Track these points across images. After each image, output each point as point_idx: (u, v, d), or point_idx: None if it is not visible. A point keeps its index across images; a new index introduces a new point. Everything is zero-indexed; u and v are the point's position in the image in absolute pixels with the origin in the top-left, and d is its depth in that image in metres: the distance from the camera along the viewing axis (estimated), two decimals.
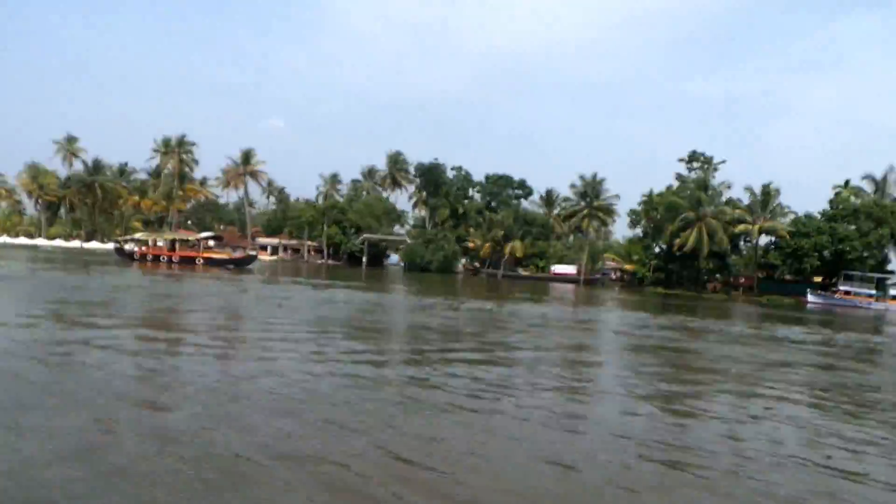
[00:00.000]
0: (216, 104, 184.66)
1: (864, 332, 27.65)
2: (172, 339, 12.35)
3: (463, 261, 71.01)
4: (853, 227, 54.50)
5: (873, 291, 53.79)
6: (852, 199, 57.70)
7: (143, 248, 46.96)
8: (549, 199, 73.05)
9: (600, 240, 76.36)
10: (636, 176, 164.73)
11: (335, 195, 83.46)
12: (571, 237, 71.85)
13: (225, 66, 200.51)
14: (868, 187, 59.29)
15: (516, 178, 73.80)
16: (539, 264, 66.97)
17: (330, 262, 71.78)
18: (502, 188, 72.85)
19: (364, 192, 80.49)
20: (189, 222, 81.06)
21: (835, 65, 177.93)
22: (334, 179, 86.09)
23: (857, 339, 23.96)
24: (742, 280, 60.59)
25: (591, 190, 67.38)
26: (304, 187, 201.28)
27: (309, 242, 76.15)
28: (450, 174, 74.24)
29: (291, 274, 44.83)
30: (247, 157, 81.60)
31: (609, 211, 67.28)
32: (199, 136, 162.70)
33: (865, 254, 53.86)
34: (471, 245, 69.62)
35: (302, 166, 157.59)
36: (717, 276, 61.31)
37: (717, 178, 64.25)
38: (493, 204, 72.58)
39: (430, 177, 71.95)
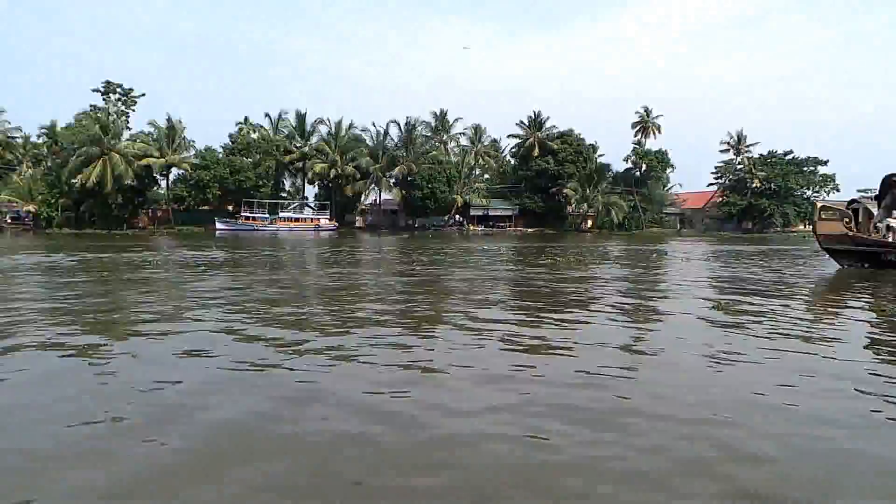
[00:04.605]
0: None
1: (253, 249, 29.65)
2: None
3: None
4: (249, 159, 61.31)
5: (267, 216, 62.67)
6: (252, 134, 64.65)
7: None
8: None
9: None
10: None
11: None
12: None
13: None
14: (267, 124, 67.31)
15: None
16: None
17: None
18: None
19: None
20: None
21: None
22: None
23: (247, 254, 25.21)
24: (160, 214, 61.92)
25: None
26: None
27: None
28: None
29: None
30: None
31: (8, 144, 58.81)
32: None
33: (260, 182, 61.62)
34: None
35: None
36: (141, 210, 61.03)
37: (140, 112, 63.14)
38: None
39: None
